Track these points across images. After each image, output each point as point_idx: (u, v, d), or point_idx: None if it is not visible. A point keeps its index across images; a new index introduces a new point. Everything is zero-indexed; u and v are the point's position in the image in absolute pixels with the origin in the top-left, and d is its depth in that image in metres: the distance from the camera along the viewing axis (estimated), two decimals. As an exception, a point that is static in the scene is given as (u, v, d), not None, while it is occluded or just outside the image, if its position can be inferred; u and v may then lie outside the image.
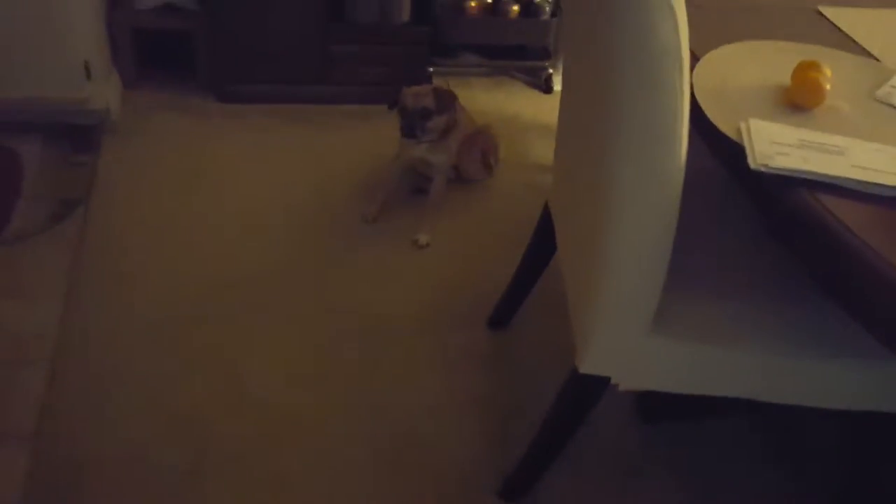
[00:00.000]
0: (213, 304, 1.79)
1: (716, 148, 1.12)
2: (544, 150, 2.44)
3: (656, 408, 1.66)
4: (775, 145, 1.03)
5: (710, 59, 1.23)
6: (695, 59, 1.21)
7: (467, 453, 1.53)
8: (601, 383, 1.26)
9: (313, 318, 1.79)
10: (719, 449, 1.59)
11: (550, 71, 2.77)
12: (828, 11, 1.42)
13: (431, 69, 2.61)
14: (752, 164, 1.00)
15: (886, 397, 1.24)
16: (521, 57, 2.78)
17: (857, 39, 1.34)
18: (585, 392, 1.29)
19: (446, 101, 2.01)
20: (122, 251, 1.90)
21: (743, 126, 1.07)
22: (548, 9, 2.61)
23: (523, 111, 2.67)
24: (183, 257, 1.90)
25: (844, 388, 1.24)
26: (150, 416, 1.52)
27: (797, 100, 1.13)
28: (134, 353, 1.65)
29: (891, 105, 1.16)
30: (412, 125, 1.99)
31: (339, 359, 1.70)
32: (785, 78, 1.16)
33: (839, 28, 1.37)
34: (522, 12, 2.60)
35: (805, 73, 1.13)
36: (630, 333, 1.19)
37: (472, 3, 2.56)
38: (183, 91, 2.49)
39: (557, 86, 2.78)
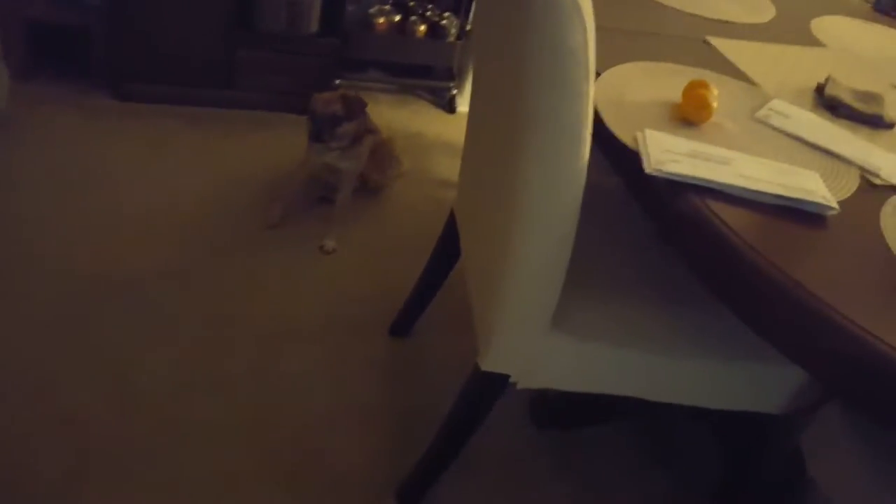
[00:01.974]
0: (103, 304, 1.72)
1: (613, 156, 1.18)
2: (447, 167, 2.49)
3: (547, 414, 1.72)
4: (668, 153, 1.10)
5: (610, 75, 1.30)
6: (595, 74, 1.28)
7: (365, 460, 1.52)
8: (502, 381, 1.30)
9: (208, 322, 1.75)
10: (605, 454, 1.66)
11: (455, 92, 2.83)
12: (714, 41, 1.53)
13: (338, 82, 2.63)
14: (647, 168, 1.07)
15: (768, 397, 1.34)
16: (427, 76, 2.84)
17: (739, 67, 1.45)
18: (486, 390, 1.32)
19: (356, 107, 2.03)
20: (8, 247, 1.79)
21: (639, 135, 1.14)
22: (453, 31, 2.68)
23: (427, 129, 2.72)
24: (75, 256, 1.82)
25: (728, 387, 1.32)
26: (30, 416, 1.44)
27: (687, 115, 1.21)
28: (18, 350, 1.56)
29: (768, 125, 1.27)
30: (321, 130, 1.98)
31: (233, 365, 1.66)
32: (676, 96, 1.25)
33: (724, 56, 1.48)
34: (429, 33, 2.66)
35: (695, 91, 1.21)
36: (530, 331, 1.23)
37: (380, 21, 2.60)
38: (78, 87, 2.39)
39: (461, 107, 2.85)
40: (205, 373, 1.62)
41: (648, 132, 1.15)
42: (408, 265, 1.82)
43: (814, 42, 1.67)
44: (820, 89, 1.43)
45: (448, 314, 1.83)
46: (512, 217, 1.14)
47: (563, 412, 1.73)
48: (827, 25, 1.77)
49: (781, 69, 1.49)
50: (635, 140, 1.14)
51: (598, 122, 1.18)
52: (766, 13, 1.76)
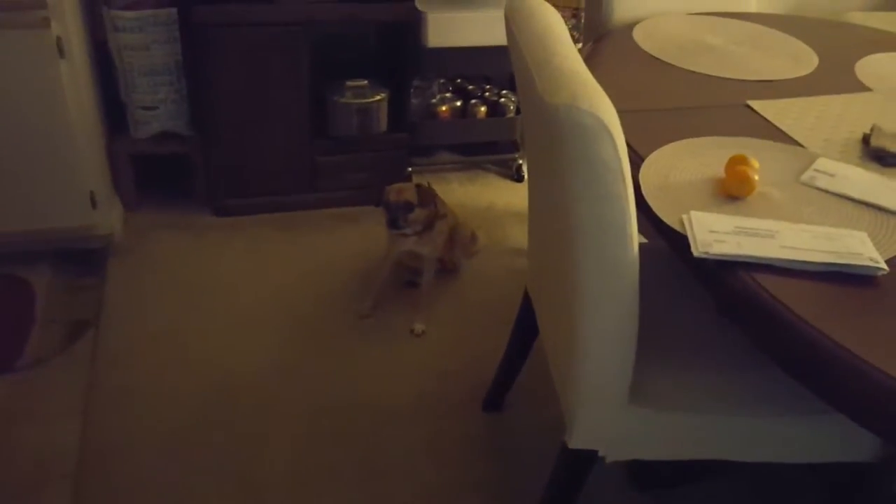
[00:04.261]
0: (221, 408, 1.90)
1: (666, 237, 1.27)
2: (520, 235, 2.61)
3: (647, 476, 1.77)
4: (713, 234, 1.17)
5: (653, 159, 1.38)
6: (640, 159, 1.37)
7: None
8: (590, 457, 1.38)
9: (315, 414, 1.90)
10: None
11: (520, 161, 2.96)
12: (756, 104, 1.60)
13: (410, 168, 2.80)
14: (694, 252, 1.15)
15: (859, 446, 1.36)
16: (491, 151, 2.97)
17: (783, 129, 1.51)
18: (576, 466, 1.40)
19: (427, 196, 2.18)
20: (132, 366, 2.01)
21: (685, 218, 1.22)
22: (512, 107, 2.82)
23: (498, 200, 2.85)
24: (189, 367, 2.02)
25: (815, 440, 1.36)
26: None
27: (731, 191, 1.28)
28: (150, 462, 1.75)
29: (814, 187, 1.32)
30: (395, 217, 2.13)
31: (342, 453, 1.80)
32: (720, 171, 1.32)
33: (767, 119, 1.55)
34: (490, 112, 2.81)
35: (735, 167, 1.28)
36: (609, 408, 1.32)
37: (443, 108, 2.77)
38: (181, 208, 2.65)
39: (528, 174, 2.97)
40: (317, 464, 1.77)
41: (694, 214, 1.23)
42: (494, 338, 1.93)
43: (859, 87, 1.70)
44: (866, 139, 1.47)
45: (538, 383, 1.92)
46: (574, 302, 1.23)
47: (662, 472, 1.77)
48: (872, 66, 1.80)
49: (826, 124, 1.53)
50: (682, 223, 1.22)
51: (647, 206, 1.27)
52: (809, 64, 1.81)
